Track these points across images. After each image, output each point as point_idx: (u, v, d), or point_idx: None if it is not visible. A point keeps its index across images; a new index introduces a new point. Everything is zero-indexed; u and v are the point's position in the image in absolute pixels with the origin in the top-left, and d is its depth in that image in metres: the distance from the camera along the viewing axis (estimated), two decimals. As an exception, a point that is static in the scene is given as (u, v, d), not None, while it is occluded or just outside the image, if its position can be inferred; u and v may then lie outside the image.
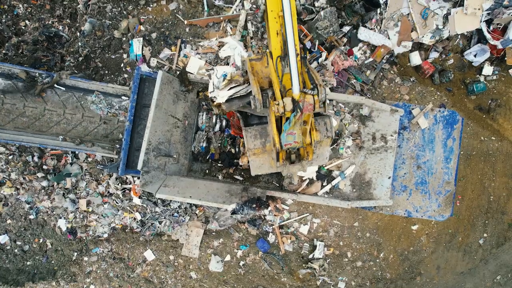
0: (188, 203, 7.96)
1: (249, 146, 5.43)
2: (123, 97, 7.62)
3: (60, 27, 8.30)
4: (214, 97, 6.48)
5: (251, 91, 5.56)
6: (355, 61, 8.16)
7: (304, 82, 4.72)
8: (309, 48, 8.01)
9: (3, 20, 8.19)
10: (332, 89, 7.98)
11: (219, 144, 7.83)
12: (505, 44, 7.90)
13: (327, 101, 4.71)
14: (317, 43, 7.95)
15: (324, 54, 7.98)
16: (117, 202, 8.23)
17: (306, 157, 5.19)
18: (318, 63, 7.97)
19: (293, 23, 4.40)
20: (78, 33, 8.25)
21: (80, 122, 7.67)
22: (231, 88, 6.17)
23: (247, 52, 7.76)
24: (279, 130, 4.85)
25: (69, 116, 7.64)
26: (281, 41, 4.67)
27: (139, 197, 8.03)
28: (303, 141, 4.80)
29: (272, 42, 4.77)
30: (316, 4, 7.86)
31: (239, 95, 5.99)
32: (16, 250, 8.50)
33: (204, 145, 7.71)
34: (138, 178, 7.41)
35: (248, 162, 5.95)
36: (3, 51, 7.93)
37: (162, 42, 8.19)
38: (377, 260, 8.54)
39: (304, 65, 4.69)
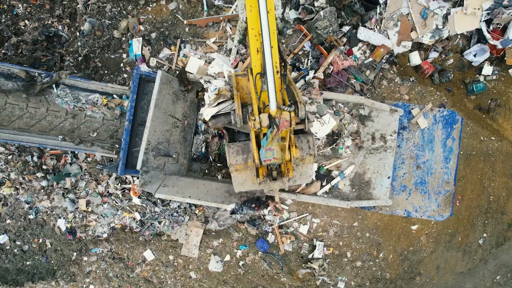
0: (187, 203, 7.95)
1: (230, 161, 5.41)
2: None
3: (60, 27, 8.30)
4: (201, 113, 6.51)
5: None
6: (355, 61, 8.16)
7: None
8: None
9: (3, 20, 8.18)
10: (332, 89, 7.98)
11: (217, 151, 7.85)
12: (505, 44, 7.90)
13: (310, 119, 4.73)
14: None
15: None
16: (116, 202, 8.23)
17: (287, 174, 5.23)
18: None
19: (272, 42, 4.35)
20: (78, 33, 8.24)
21: (45, 117, 7.38)
22: (218, 104, 6.19)
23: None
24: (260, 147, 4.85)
25: (33, 110, 7.35)
26: (261, 58, 4.64)
27: (139, 197, 8.03)
28: (283, 158, 4.85)
29: (252, 59, 4.77)
30: (316, 4, 7.86)
31: (224, 111, 6.00)
32: (15, 250, 8.49)
33: (203, 150, 7.73)
34: (138, 178, 7.41)
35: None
36: (3, 51, 7.93)
37: (161, 42, 8.19)
38: (377, 260, 8.54)
39: (283, 82, 4.68)
